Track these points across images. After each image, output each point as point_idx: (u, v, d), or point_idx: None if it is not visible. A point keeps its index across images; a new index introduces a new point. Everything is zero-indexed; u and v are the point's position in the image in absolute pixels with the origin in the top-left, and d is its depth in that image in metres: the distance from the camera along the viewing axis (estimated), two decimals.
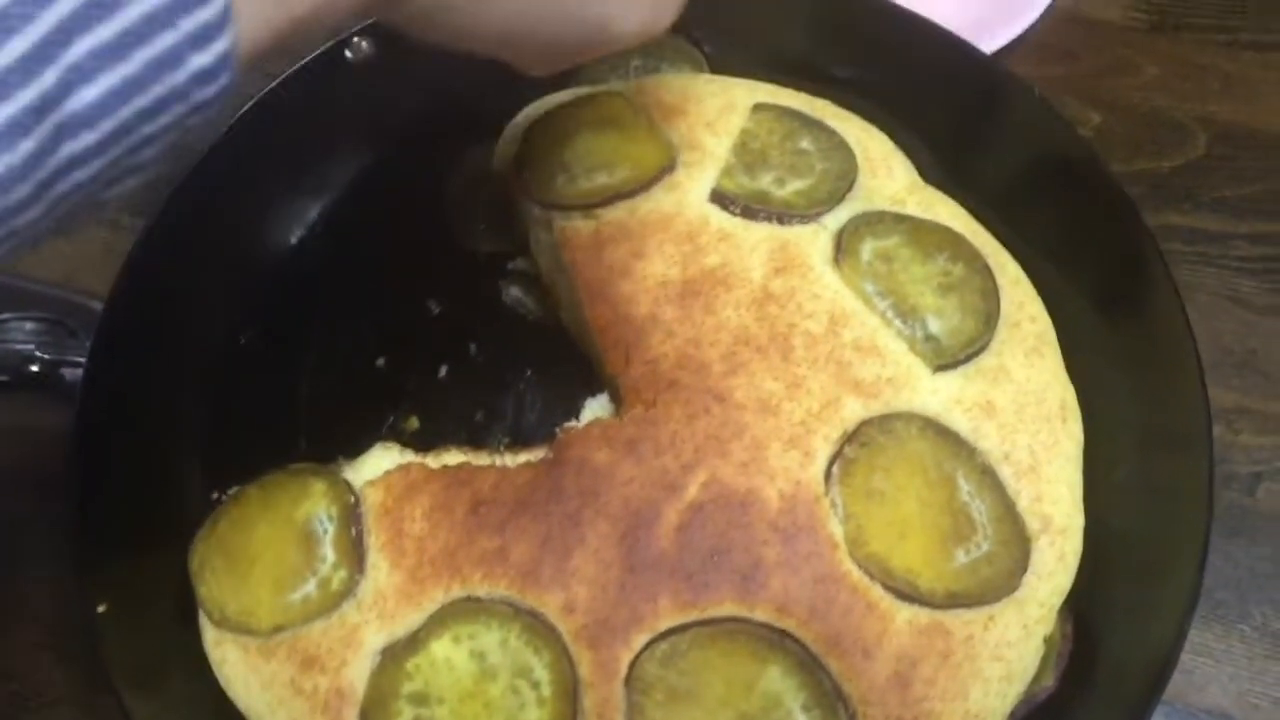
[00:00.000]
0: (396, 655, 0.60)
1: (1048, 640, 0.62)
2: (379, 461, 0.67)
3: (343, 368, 0.79)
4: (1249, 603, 0.70)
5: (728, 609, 0.60)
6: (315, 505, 0.65)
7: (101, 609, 0.61)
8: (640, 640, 0.59)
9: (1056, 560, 0.63)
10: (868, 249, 0.71)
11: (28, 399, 0.77)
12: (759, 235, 0.72)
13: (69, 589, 0.64)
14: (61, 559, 0.65)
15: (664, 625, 0.60)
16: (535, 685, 0.59)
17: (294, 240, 0.82)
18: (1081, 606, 0.63)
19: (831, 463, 0.63)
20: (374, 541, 0.64)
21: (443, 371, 0.78)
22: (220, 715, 0.61)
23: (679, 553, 0.61)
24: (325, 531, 0.64)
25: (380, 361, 0.79)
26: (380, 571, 0.63)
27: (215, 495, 0.69)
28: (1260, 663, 0.69)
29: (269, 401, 0.77)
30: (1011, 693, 0.60)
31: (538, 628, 0.60)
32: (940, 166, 0.78)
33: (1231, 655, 0.69)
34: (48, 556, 0.73)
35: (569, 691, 0.59)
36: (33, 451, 0.77)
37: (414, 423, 0.76)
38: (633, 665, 0.59)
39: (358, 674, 0.61)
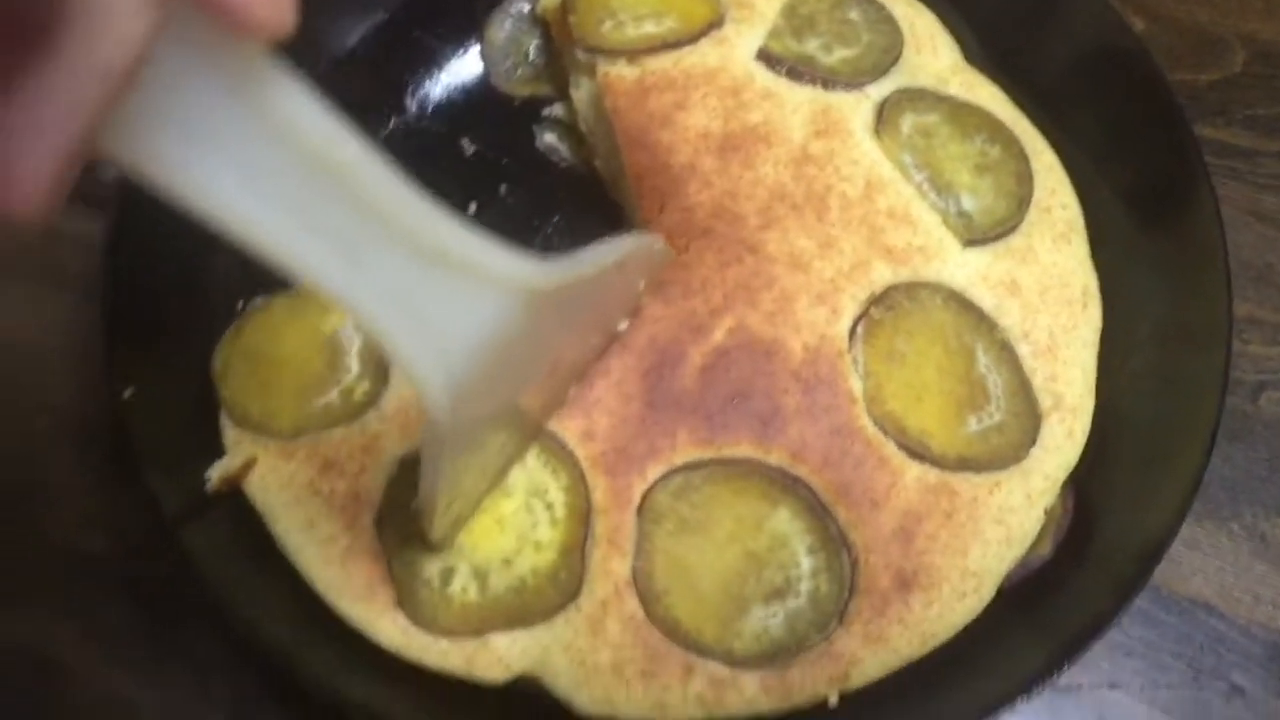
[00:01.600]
0: (414, 466, 0.61)
1: (1048, 512, 0.63)
2: None
3: None
4: (1241, 503, 0.72)
5: (744, 450, 0.61)
6: (343, 318, 0.65)
7: (127, 394, 0.61)
8: (655, 472, 0.61)
9: (1065, 437, 0.65)
10: (908, 122, 0.72)
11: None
12: (802, 97, 0.71)
13: (91, 383, 0.64)
14: (86, 358, 0.65)
15: (680, 460, 0.61)
16: (549, 506, 0.60)
17: (329, 63, 0.81)
18: (1084, 485, 0.65)
19: (857, 322, 0.64)
20: None
21: (472, 208, 0.78)
22: (237, 508, 0.62)
23: (701, 393, 0.62)
24: (351, 343, 0.65)
25: None
26: (404, 385, 0.63)
27: (240, 304, 0.69)
28: (1245, 559, 0.70)
29: None
30: (1009, 556, 0.62)
31: (556, 450, 0.61)
32: (985, 51, 0.78)
33: (1219, 550, 0.71)
34: (73, 357, 0.73)
35: (582, 515, 0.60)
36: (58, 254, 0.76)
37: None
38: (646, 495, 0.60)
39: (375, 481, 0.62)
